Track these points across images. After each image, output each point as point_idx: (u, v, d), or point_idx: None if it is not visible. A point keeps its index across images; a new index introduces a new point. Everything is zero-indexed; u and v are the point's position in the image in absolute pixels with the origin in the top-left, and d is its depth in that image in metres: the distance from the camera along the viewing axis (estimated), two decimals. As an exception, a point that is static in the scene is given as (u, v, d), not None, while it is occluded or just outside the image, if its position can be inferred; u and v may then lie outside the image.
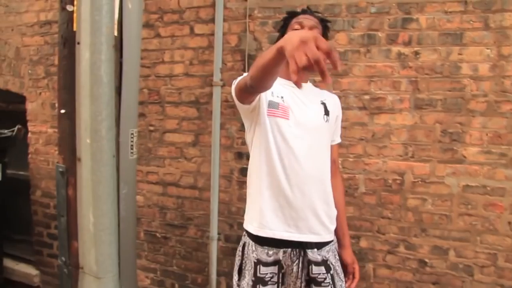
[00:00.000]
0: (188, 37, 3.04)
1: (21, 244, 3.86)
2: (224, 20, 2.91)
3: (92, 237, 1.79)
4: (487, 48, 2.43)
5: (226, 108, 2.95)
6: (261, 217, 1.66)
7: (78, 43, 1.75)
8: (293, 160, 1.62)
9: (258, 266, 1.64)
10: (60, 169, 1.89)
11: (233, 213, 3.00)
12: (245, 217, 1.80)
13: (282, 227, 1.64)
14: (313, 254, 1.65)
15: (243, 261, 1.71)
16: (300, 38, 0.97)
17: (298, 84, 1.00)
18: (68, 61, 1.84)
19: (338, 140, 1.92)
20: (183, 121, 3.10)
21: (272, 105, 1.64)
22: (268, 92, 1.61)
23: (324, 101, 1.79)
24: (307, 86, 1.83)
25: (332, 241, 1.76)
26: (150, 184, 3.22)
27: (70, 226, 1.89)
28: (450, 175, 2.53)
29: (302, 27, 1.66)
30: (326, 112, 1.76)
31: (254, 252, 1.67)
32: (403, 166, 2.60)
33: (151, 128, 3.19)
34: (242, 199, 2.96)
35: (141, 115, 3.15)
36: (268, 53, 1.20)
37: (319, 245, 1.68)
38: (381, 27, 2.59)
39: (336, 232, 1.82)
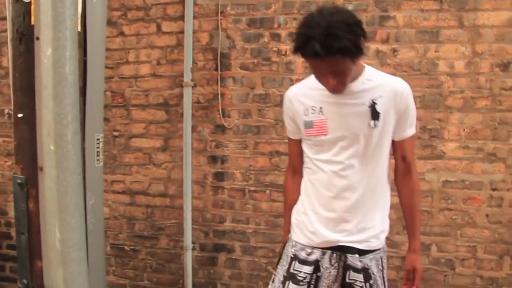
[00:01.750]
0: (155, 36, 2.87)
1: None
2: (194, 17, 2.78)
3: (59, 254, 1.60)
4: (462, 46, 2.48)
5: (198, 110, 2.81)
6: (304, 216, 1.66)
7: (37, 38, 1.56)
8: (331, 173, 1.56)
9: (293, 262, 1.63)
10: (19, 181, 1.69)
11: (208, 220, 2.86)
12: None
13: (323, 228, 1.59)
14: (353, 260, 1.56)
15: (282, 256, 1.71)
16: None
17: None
18: (25, 58, 1.64)
19: (407, 134, 1.58)
20: (151, 125, 2.93)
21: (307, 125, 1.58)
22: (303, 109, 1.59)
23: (375, 101, 1.49)
24: (356, 84, 1.50)
25: (379, 249, 1.62)
26: (116, 194, 3.02)
27: (32, 244, 1.71)
28: (430, 171, 2.55)
29: (322, 73, 1.42)
30: (374, 116, 1.50)
31: (293, 247, 1.66)
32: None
33: (116, 133, 2.99)
34: (217, 205, 2.84)
35: (104, 119, 2.88)
36: None
37: (362, 252, 1.58)
38: (359, 24, 2.55)
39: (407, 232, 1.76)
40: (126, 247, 3.04)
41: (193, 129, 2.82)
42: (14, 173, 1.78)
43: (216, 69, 2.76)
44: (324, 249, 1.60)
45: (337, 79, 1.39)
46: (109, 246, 3.04)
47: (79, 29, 1.67)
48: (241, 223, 2.80)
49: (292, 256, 1.64)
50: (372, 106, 1.49)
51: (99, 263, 1.89)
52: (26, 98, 1.66)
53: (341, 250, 1.58)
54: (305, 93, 1.59)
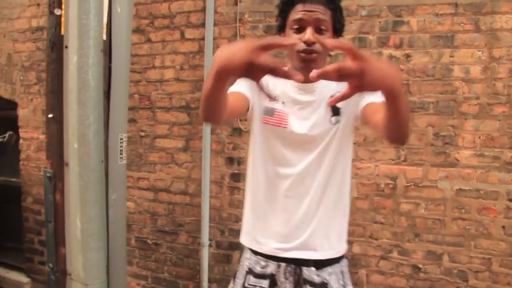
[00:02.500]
0: (178, 42, 3.02)
1: (12, 251, 3.83)
2: (215, 25, 2.90)
3: (79, 243, 1.76)
4: (479, 50, 2.41)
5: (217, 113, 2.92)
6: (252, 228, 1.54)
7: (66, 47, 1.74)
8: (287, 172, 1.45)
9: (248, 276, 1.50)
10: (48, 174, 1.87)
11: (224, 219, 2.97)
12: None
13: (273, 240, 1.48)
14: (309, 273, 1.44)
15: (238, 268, 1.58)
16: (245, 62, 0.86)
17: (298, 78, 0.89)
18: (56, 65, 1.83)
19: (370, 100, 1.36)
20: (174, 126, 3.08)
21: (267, 111, 1.45)
22: (263, 97, 1.44)
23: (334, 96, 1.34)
24: (320, 84, 1.42)
25: (339, 261, 1.50)
26: (141, 190, 3.20)
27: (57, 232, 1.87)
28: (443, 179, 2.50)
29: (303, 25, 1.32)
30: (335, 112, 1.43)
31: (247, 260, 1.53)
32: (395, 170, 2.57)
33: (142, 133, 3.17)
34: (233, 204, 2.93)
35: (132, 120, 3.12)
36: (208, 84, 1.01)
37: (319, 264, 1.45)
38: (372, 30, 2.58)
39: None
40: (149, 241, 3.20)
41: (212, 131, 2.93)
42: (45, 167, 1.97)
43: (235, 74, 2.85)
44: (278, 262, 1.47)
45: (317, 37, 1.30)
46: (133, 239, 3.23)
47: (104, 37, 1.84)
48: (255, 223, 2.87)
49: (247, 270, 1.52)
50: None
51: (120, 254, 2.01)
52: (56, 101, 1.84)
53: (296, 263, 1.45)
54: (274, 83, 1.46)
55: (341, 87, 1.23)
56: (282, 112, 1.44)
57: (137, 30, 3.04)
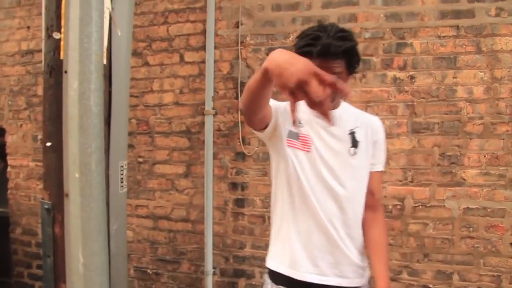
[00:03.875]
0: (178, 65, 2.98)
1: (-1, 286, 3.63)
2: (215, 48, 2.87)
3: (81, 278, 1.66)
4: (481, 71, 2.47)
5: (219, 137, 2.88)
6: (282, 254, 1.53)
7: (66, 72, 1.66)
8: (312, 198, 1.46)
9: None
10: (46, 206, 1.78)
11: (229, 245, 2.90)
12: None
13: (303, 268, 1.48)
14: None
15: None
16: (297, 79, 0.90)
17: (329, 122, 0.94)
18: (54, 90, 1.75)
19: (377, 167, 1.58)
20: (174, 152, 3.02)
21: (292, 135, 1.49)
22: (288, 120, 1.47)
23: (354, 130, 1.51)
24: (337, 112, 1.50)
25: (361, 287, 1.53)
26: (140, 218, 3.10)
27: (57, 267, 1.78)
28: (451, 198, 2.51)
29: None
30: (354, 144, 1.51)
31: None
32: (403, 191, 2.58)
33: (140, 159, 3.09)
34: (238, 231, 2.87)
35: (129, 146, 3.04)
36: (255, 76, 1.12)
37: None
38: (376, 52, 2.60)
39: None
40: (149, 271, 3.10)
41: (215, 156, 2.89)
42: (42, 199, 1.88)
43: (237, 98, 2.83)
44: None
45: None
46: (132, 269, 3.11)
47: (104, 62, 1.79)
48: (261, 249, 2.81)
49: None
50: (352, 134, 1.50)
51: (122, 286, 1.96)
52: (54, 128, 1.76)
53: None
54: (301, 107, 1.46)
55: (359, 122, 1.50)
56: (306, 136, 1.49)
57: (134, 53, 2.98)
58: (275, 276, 1.53)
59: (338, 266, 1.47)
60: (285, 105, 1.47)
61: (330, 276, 1.47)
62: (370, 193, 1.55)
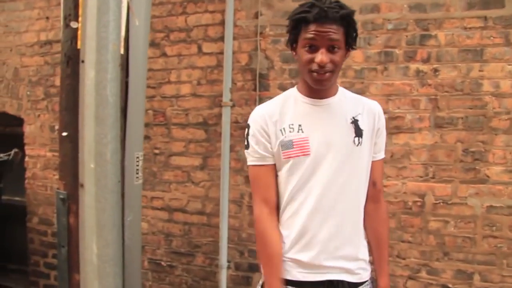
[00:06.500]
0: (195, 56, 2.97)
1: (16, 274, 3.72)
2: (234, 38, 2.84)
3: (95, 269, 1.68)
4: (509, 65, 2.38)
5: (236, 130, 2.86)
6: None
7: (83, 62, 1.66)
8: (314, 196, 1.41)
9: None
10: (61, 196, 1.81)
11: (244, 239, 2.88)
12: None
13: (305, 267, 1.44)
14: None
15: None
16: None
17: None
18: (72, 80, 1.76)
19: (380, 155, 1.53)
20: (190, 144, 3.00)
21: (285, 145, 1.42)
22: (278, 130, 1.43)
23: (356, 118, 1.44)
24: (335, 100, 1.47)
25: (366, 281, 1.50)
26: (155, 210, 3.11)
27: (71, 257, 1.81)
28: (473, 196, 2.44)
29: (316, 45, 1.33)
30: (358, 133, 1.44)
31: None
32: (423, 187, 2.52)
33: (156, 151, 3.09)
34: (253, 224, 2.83)
35: (146, 137, 3.03)
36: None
37: (352, 285, 1.44)
38: (399, 44, 2.54)
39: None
40: (163, 263, 3.10)
41: (231, 148, 2.86)
42: (57, 189, 1.88)
43: (255, 90, 2.80)
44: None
45: (329, 58, 1.33)
46: (146, 261, 3.12)
47: (121, 52, 1.76)
48: (276, 243, 2.79)
49: None
50: (355, 123, 1.44)
51: (136, 278, 1.94)
52: (71, 118, 1.76)
53: (331, 285, 1.43)
54: (280, 111, 1.45)
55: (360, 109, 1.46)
56: (301, 140, 1.42)
57: (151, 44, 2.94)
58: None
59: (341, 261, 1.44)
60: (259, 129, 1.44)
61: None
62: (372, 183, 1.51)
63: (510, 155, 2.39)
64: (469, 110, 2.44)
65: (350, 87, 2.51)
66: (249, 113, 2.78)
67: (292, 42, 1.41)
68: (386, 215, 1.60)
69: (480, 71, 2.42)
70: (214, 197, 2.94)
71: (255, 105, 2.78)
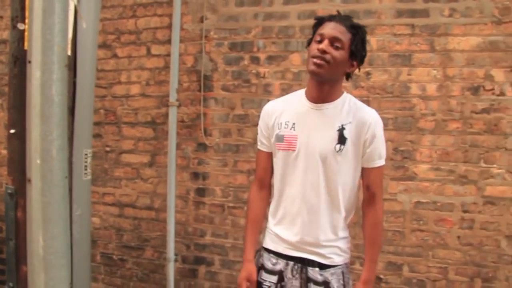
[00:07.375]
0: (144, 58, 3.04)
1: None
2: (181, 41, 2.92)
3: (41, 260, 1.71)
4: (434, 69, 2.54)
5: (182, 129, 2.95)
6: (268, 232, 1.76)
7: (29, 62, 1.71)
8: (294, 190, 1.65)
9: (260, 271, 1.70)
10: (9, 191, 1.83)
11: (190, 233, 2.98)
12: None
13: (284, 243, 1.68)
14: (313, 273, 1.63)
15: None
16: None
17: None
18: (19, 80, 1.81)
19: (373, 164, 1.63)
20: (140, 142, 3.09)
21: (278, 138, 1.67)
22: (276, 124, 1.67)
23: (344, 126, 1.58)
24: (331, 106, 1.62)
25: (340, 265, 1.67)
26: (107, 206, 3.18)
27: (19, 250, 1.84)
28: (402, 192, 2.59)
29: (324, 38, 1.52)
30: (341, 141, 1.58)
31: (260, 257, 1.74)
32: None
33: (108, 148, 3.16)
34: (199, 219, 2.95)
35: (98, 135, 3.11)
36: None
37: (323, 266, 1.64)
38: (333, 48, 2.64)
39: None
40: (114, 257, 3.17)
41: (178, 146, 2.95)
42: (6, 184, 1.93)
43: (200, 90, 2.89)
44: (287, 261, 1.67)
45: (330, 49, 1.50)
46: (99, 255, 3.19)
47: (69, 53, 1.84)
48: (220, 237, 2.90)
49: (260, 265, 1.73)
50: (340, 131, 1.58)
51: (85, 270, 1.99)
52: (18, 116, 1.82)
53: (303, 263, 1.65)
54: (282, 108, 1.68)
55: (351, 118, 1.59)
56: (290, 137, 1.64)
57: (103, 45, 3.04)
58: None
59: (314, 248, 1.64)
60: (264, 121, 1.73)
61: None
62: (365, 188, 1.67)
63: (435, 153, 2.54)
64: (398, 111, 2.58)
65: (288, 88, 2.65)
66: (194, 112, 2.93)
67: (309, 42, 1.62)
68: (379, 218, 1.70)
69: (408, 75, 2.57)
70: (162, 193, 3.02)
71: (199, 105, 2.90)
